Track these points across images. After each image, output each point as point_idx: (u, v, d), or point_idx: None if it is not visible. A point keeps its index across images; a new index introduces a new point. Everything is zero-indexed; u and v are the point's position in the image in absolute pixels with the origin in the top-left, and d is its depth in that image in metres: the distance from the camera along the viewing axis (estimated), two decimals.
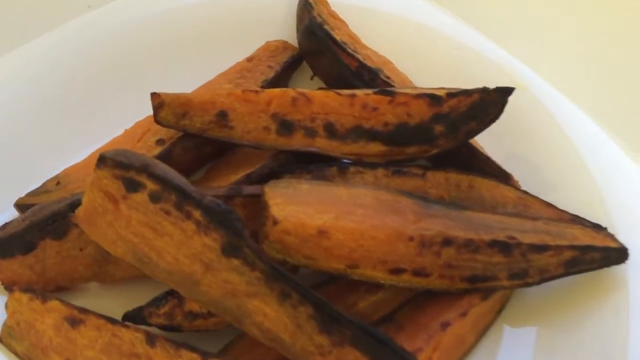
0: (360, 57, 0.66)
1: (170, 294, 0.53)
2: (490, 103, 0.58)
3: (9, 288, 0.55)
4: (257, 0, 0.73)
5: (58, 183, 0.62)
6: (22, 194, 0.61)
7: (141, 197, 0.48)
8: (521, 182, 0.63)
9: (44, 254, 0.55)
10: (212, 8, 0.72)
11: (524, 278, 0.55)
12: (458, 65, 0.70)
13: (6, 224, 0.58)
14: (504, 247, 0.53)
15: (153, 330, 0.52)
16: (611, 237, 0.56)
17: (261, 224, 0.51)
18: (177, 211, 0.48)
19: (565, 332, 0.55)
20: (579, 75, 0.68)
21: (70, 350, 0.51)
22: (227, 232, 0.48)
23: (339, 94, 0.59)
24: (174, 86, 0.61)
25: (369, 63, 0.66)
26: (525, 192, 0.61)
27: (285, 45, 0.72)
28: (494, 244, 0.53)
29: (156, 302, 0.53)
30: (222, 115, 0.59)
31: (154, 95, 0.58)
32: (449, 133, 0.59)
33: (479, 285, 0.55)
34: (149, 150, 0.61)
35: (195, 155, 0.62)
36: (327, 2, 0.71)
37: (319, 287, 0.56)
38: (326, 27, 0.67)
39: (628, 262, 0.56)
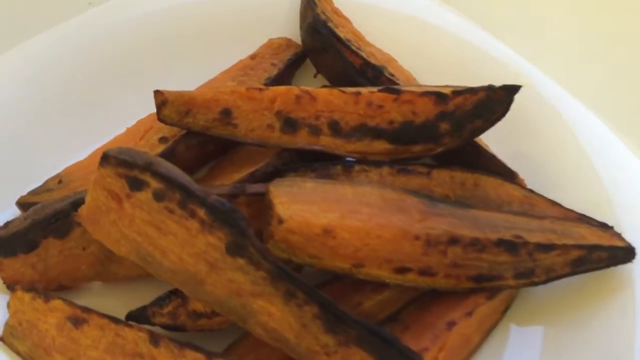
0: (364, 55, 0.66)
1: (174, 293, 0.53)
2: (496, 101, 0.58)
3: (11, 287, 0.55)
4: None
5: (60, 181, 0.61)
6: (24, 193, 0.61)
7: (145, 195, 0.48)
8: (526, 180, 0.63)
9: (46, 252, 0.55)
10: (215, 5, 0.72)
11: (530, 277, 0.54)
12: (462, 63, 0.70)
13: (8, 223, 0.57)
14: (510, 246, 0.53)
15: (157, 329, 0.51)
16: (618, 236, 0.56)
17: (266, 222, 0.51)
18: (181, 210, 0.47)
19: (572, 332, 0.55)
20: (585, 74, 0.68)
21: (73, 350, 0.50)
22: (232, 231, 0.47)
23: (344, 92, 0.59)
24: (177, 84, 0.61)
25: (373, 61, 0.66)
26: (531, 191, 0.60)
27: (288, 42, 0.71)
28: (501, 243, 0.53)
29: (160, 302, 0.53)
30: (226, 113, 0.58)
31: (157, 93, 0.58)
32: (454, 131, 0.58)
33: (484, 285, 0.54)
34: (151, 148, 0.60)
35: (199, 153, 0.62)
36: None
37: (324, 286, 0.55)
38: (330, 24, 0.67)
39: (635, 261, 0.55)
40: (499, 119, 0.58)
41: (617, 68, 0.69)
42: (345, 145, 0.59)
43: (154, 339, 0.50)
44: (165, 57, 0.70)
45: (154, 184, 0.47)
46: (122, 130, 0.64)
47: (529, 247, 0.53)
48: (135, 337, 0.50)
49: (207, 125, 0.59)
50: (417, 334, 0.53)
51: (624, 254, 0.55)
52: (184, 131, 0.61)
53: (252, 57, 0.70)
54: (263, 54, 0.70)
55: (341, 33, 0.66)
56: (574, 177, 0.63)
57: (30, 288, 0.53)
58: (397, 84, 0.64)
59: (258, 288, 0.48)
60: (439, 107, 0.58)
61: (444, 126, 0.58)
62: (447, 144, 0.59)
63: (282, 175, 0.58)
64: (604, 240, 0.55)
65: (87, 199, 0.50)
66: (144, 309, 0.53)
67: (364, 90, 0.59)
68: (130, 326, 0.51)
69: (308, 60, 0.71)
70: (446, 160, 0.62)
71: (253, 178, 0.58)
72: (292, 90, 0.59)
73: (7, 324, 0.53)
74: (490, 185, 0.60)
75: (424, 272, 0.53)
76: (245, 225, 0.47)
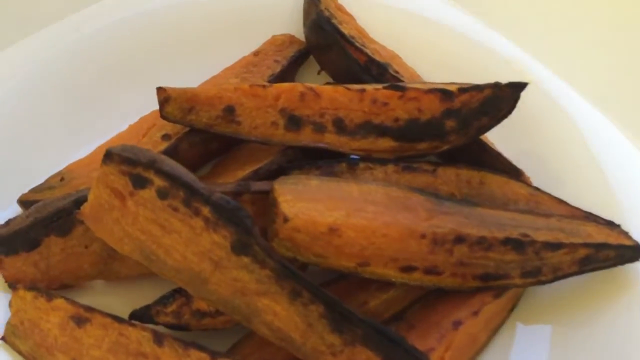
0: (368, 52, 0.65)
1: (178, 292, 0.53)
2: (502, 98, 0.57)
3: (12, 286, 0.54)
4: None
5: (62, 179, 0.61)
6: (26, 190, 0.60)
7: (148, 193, 0.47)
8: (532, 178, 0.62)
9: (48, 251, 0.55)
10: (218, 2, 0.72)
11: (537, 276, 0.54)
12: (467, 60, 0.69)
13: (10, 221, 0.57)
14: (517, 244, 0.52)
15: (160, 329, 0.51)
16: (625, 234, 0.55)
17: (270, 221, 0.51)
18: (185, 208, 0.47)
19: (580, 330, 0.55)
20: (591, 71, 0.68)
21: (76, 349, 0.50)
22: (237, 229, 0.47)
23: (348, 89, 0.58)
24: (179, 81, 0.61)
25: (377, 57, 0.65)
26: (537, 189, 0.60)
27: (291, 39, 0.71)
28: (507, 242, 0.52)
29: (163, 301, 0.53)
30: (229, 111, 0.58)
31: (159, 90, 0.58)
32: (460, 129, 0.58)
33: (491, 284, 0.54)
34: (154, 145, 0.60)
35: (202, 150, 0.62)
36: None
37: (329, 284, 0.55)
38: (334, 21, 0.66)
39: None
40: (505, 116, 0.58)
41: (625, 66, 0.69)
42: (350, 143, 0.58)
43: (158, 339, 0.49)
44: (168, 54, 0.70)
45: (158, 181, 0.47)
46: (125, 127, 0.63)
47: (536, 245, 0.53)
48: (138, 336, 0.49)
49: (210, 123, 0.58)
50: (423, 334, 0.53)
51: (632, 252, 0.55)
52: (187, 128, 0.60)
53: (255, 53, 0.69)
54: (266, 51, 0.69)
55: (345, 30, 0.66)
56: (579, 175, 0.62)
57: (32, 287, 0.53)
58: (402, 81, 0.63)
59: (263, 287, 0.47)
60: (444, 104, 0.57)
61: (450, 124, 0.58)
62: (453, 142, 0.58)
63: (287, 173, 0.57)
64: (612, 238, 0.55)
65: (90, 196, 0.49)
66: (147, 308, 0.53)
67: (369, 87, 0.58)
68: (134, 325, 0.50)
69: (311, 57, 0.70)
70: (451, 158, 0.61)
71: (257, 176, 0.58)
72: (296, 87, 0.58)
73: (8, 323, 0.52)
74: (496, 183, 0.59)
75: (430, 270, 0.52)
76: (250, 224, 0.47)
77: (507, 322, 0.56)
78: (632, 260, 0.55)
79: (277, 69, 0.67)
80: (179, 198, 0.47)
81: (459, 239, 0.52)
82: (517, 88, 0.57)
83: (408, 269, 0.52)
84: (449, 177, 0.59)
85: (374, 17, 0.71)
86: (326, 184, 0.52)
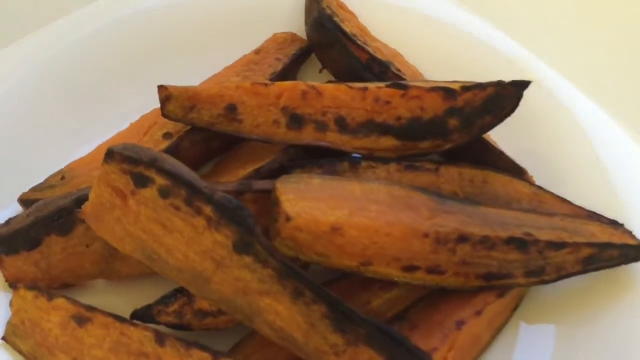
0: (370, 50, 0.65)
1: (180, 291, 0.52)
2: (505, 97, 0.57)
3: (13, 285, 0.54)
4: None
5: (63, 178, 0.61)
6: (26, 189, 0.60)
7: (150, 192, 0.47)
8: (535, 177, 0.62)
9: (49, 250, 0.54)
10: (220, 0, 0.71)
11: (541, 276, 0.54)
12: (469, 59, 0.69)
13: (10, 220, 0.57)
14: (521, 244, 0.52)
15: (162, 329, 0.51)
16: (629, 234, 0.55)
17: (273, 220, 0.50)
18: (187, 207, 0.47)
19: (584, 330, 0.54)
20: (594, 70, 0.67)
21: (77, 349, 0.50)
22: (239, 228, 0.46)
23: (351, 88, 0.58)
24: (181, 79, 0.61)
25: (379, 56, 0.65)
26: (540, 188, 0.59)
27: (293, 37, 0.71)
28: (511, 241, 0.52)
29: (165, 300, 0.52)
30: (231, 109, 0.58)
31: (161, 88, 0.57)
32: (463, 128, 0.58)
33: (494, 283, 0.53)
34: (156, 144, 0.59)
35: (204, 149, 0.61)
36: None
37: (331, 284, 0.55)
38: (336, 19, 0.66)
39: None
40: (508, 115, 0.58)
41: (628, 65, 0.69)
42: (352, 142, 0.58)
43: (160, 339, 0.49)
44: (169, 52, 0.69)
45: (160, 180, 0.47)
46: (126, 126, 0.63)
47: (539, 245, 0.53)
48: (140, 336, 0.49)
49: (212, 121, 0.58)
50: (426, 333, 0.52)
51: (636, 252, 0.54)
52: (189, 127, 0.60)
53: (257, 52, 0.69)
54: (268, 49, 0.69)
55: (347, 28, 0.66)
56: (582, 174, 0.62)
57: (33, 286, 0.53)
58: (404, 80, 0.63)
59: (265, 286, 0.47)
60: (447, 103, 0.57)
61: (453, 122, 0.58)
62: (456, 141, 0.58)
63: (289, 172, 0.57)
64: (616, 238, 0.54)
65: (91, 195, 0.49)
66: (149, 307, 0.53)
67: (372, 85, 0.58)
68: (136, 325, 0.50)
69: (313, 55, 0.70)
70: (454, 157, 0.61)
71: (259, 175, 0.57)
72: (298, 85, 0.58)
73: (9, 323, 0.52)
74: (499, 182, 0.59)
75: (433, 270, 0.52)
76: (252, 223, 0.46)
77: (510, 322, 0.56)
78: (636, 259, 0.55)
79: (279, 67, 0.67)
80: (181, 197, 0.47)
81: (462, 239, 0.51)
82: (520, 87, 0.57)
83: (411, 269, 0.52)
84: (452, 176, 0.59)
85: (376, 15, 0.70)
86: (329, 183, 0.52)
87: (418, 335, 0.52)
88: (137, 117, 0.64)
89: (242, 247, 0.47)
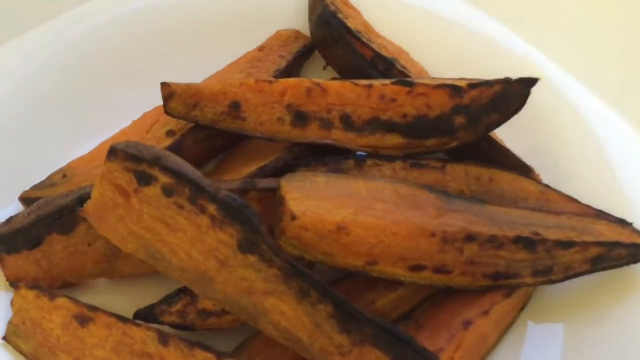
0: (375, 47, 0.64)
1: (183, 291, 0.52)
2: (512, 94, 0.56)
3: (14, 284, 0.54)
4: None
5: (64, 176, 0.60)
6: (27, 187, 0.60)
7: (154, 191, 0.46)
8: (542, 175, 0.61)
9: (50, 249, 0.54)
10: None
11: (548, 275, 0.53)
12: (475, 56, 0.69)
13: (11, 218, 0.56)
14: (528, 243, 0.52)
15: (165, 329, 0.50)
16: (638, 233, 0.55)
17: (277, 219, 0.50)
18: (191, 205, 0.46)
19: (593, 329, 0.54)
20: (601, 68, 0.67)
21: (79, 349, 0.49)
22: (244, 227, 0.46)
23: (356, 85, 0.57)
24: (184, 76, 0.60)
25: (384, 53, 0.64)
26: (547, 186, 0.59)
27: (297, 34, 0.70)
28: (519, 241, 0.52)
29: (168, 300, 0.52)
30: (235, 107, 0.57)
31: (164, 86, 0.57)
32: (469, 125, 0.57)
33: (501, 283, 0.53)
34: (158, 142, 0.59)
35: (207, 147, 0.61)
36: None
37: (336, 283, 0.54)
38: (340, 15, 0.65)
39: None
40: (515, 112, 0.57)
41: (636, 62, 0.68)
42: (358, 140, 0.58)
43: (163, 339, 0.48)
44: (172, 49, 0.69)
45: (163, 179, 0.46)
46: (128, 123, 0.62)
47: (547, 244, 0.52)
48: (143, 336, 0.48)
49: (216, 119, 0.57)
50: (433, 334, 0.52)
51: None
52: (192, 125, 0.59)
53: (260, 49, 0.68)
54: (271, 46, 0.68)
55: (351, 24, 0.65)
56: (590, 172, 0.62)
57: (35, 286, 0.52)
58: (409, 77, 0.62)
59: (270, 286, 0.46)
60: (454, 100, 0.56)
61: (459, 120, 0.57)
62: (462, 139, 0.57)
63: (293, 170, 0.56)
64: (624, 237, 0.54)
65: (94, 194, 0.48)
66: (152, 307, 0.52)
67: (377, 83, 0.57)
68: (138, 325, 0.49)
69: (317, 52, 0.69)
70: (460, 155, 0.60)
71: (263, 173, 0.57)
72: (303, 82, 0.57)
73: (10, 323, 0.52)
74: (506, 180, 0.58)
75: (440, 269, 0.52)
76: (257, 222, 0.46)
77: (518, 322, 0.55)
78: None
79: (283, 64, 0.66)
80: (185, 196, 0.46)
81: (470, 238, 0.51)
82: (528, 84, 0.56)
83: (417, 268, 0.51)
84: (458, 174, 0.58)
85: (380, 12, 0.70)
86: (334, 181, 0.51)
87: (424, 335, 0.52)
88: (139, 115, 0.63)
89: (246, 247, 0.46)
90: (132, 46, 0.68)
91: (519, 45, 0.68)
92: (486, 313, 0.53)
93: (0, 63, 0.65)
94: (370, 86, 0.57)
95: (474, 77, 0.58)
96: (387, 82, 0.57)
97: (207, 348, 0.48)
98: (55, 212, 0.53)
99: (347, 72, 0.65)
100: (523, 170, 0.60)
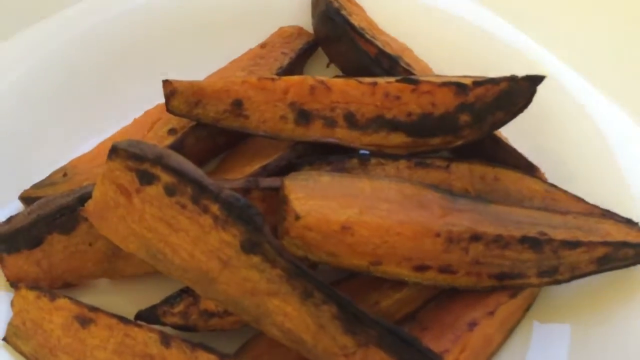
0: (379, 44, 0.63)
1: (185, 291, 0.51)
2: (518, 92, 0.56)
3: (14, 285, 0.53)
4: None
5: (65, 175, 0.60)
6: (27, 186, 0.59)
7: (155, 190, 0.46)
8: (547, 174, 0.61)
9: (51, 249, 0.53)
10: None
11: (554, 275, 0.53)
12: (479, 53, 0.68)
13: (11, 218, 0.56)
14: (535, 243, 0.51)
15: (167, 330, 0.50)
16: None
17: (281, 218, 0.49)
18: (193, 205, 0.46)
19: (599, 329, 0.54)
20: (608, 65, 0.66)
21: (80, 350, 0.49)
22: (247, 227, 0.45)
23: (360, 82, 0.57)
24: (185, 73, 0.59)
25: (388, 50, 0.63)
26: (553, 185, 0.58)
27: (300, 31, 0.69)
28: (525, 240, 0.51)
29: (170, 301, 0.51)
30: (237, 104, 0.56)
31: (165, 83, 0.56)
32: (474, 123, 0.56)
33: (506, 283, 0.52)
34: (160, 140, 0.58)
35: (209, 145, 0.60)
36: None
37: (339, 283, 0.54)
38: (343, 12, 0.64)
39: None
40: (521, 110, 0.56)
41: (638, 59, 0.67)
42: (361, 138, 0.57)
43: (165, 340, 0.48)
44: (173, 46, 0.68)
45: (165, 178, 0.46)
46: (129, 121, 0.62)
47: (553, 244, 0.51)
48: (145, 337, 0.48)
49: (218, 117, 0.57)
50: (437, 335, 0.51)
51: None
52: (194, 123, 0.59)
53: (263, 45, 0.68)
54: (274, 43, 0.68)
55: (355, 21, 0.64)
56: (595, 171, 0.61)
57: (35, 286, 0.52)
58: (414, 74, 0.62)
59: (273, 287, 0.46)
60: (459, 98, 0.56)
61: (464, 118, 0.56)
62: (467, 137, 0.57)
63: (296, 168, 0.56)
64: (631, 237, 0.53)
65: (95, 193, 0.48)
66: (153, 308, 0.51)
67: (381, 80, 0.57)
68: (140, 326, 0.49)
69: (320, 49, 0.69)
70: (464, 153, 0.60)
71: (266, 171, 0.56)
72: (306, 80, 0.57)
73: (10, 324, 0.51)
74: (511, 179, 0.58)
75: (444, 269, 0.51)
76: (260, 222, 0.45)
77: (523, 322, 0.55)
78: None
79: (285, 61, 0.66)
80: (187, 195, 0.45)
81: (475, 237, 0.50)
82: (534, 81, 0.56)
83: (422, 268, 0.50)
84: (463, 172, 0.57)
85: (384, 9, 0.69)
86: (338, 180, 0.51)
87: (429, 336, 0.51)
88: (140, 113, 0.62)
89: (249, 246, 0.45)
90: (134, 43, 0.68)
91: (524, 42, 0.68)
92: (491, 314, 0.52)
93: (1, 60, 0.64)
94: (374, 84, 0.56)
95: (478, 75, 0.58)
96: (391, 79, 0.57)
97: (209, 349, 0.48)
98: (55, 212, 0.53)
99: (351, 69, 0.64)
100: (528, 169, 0.60)
